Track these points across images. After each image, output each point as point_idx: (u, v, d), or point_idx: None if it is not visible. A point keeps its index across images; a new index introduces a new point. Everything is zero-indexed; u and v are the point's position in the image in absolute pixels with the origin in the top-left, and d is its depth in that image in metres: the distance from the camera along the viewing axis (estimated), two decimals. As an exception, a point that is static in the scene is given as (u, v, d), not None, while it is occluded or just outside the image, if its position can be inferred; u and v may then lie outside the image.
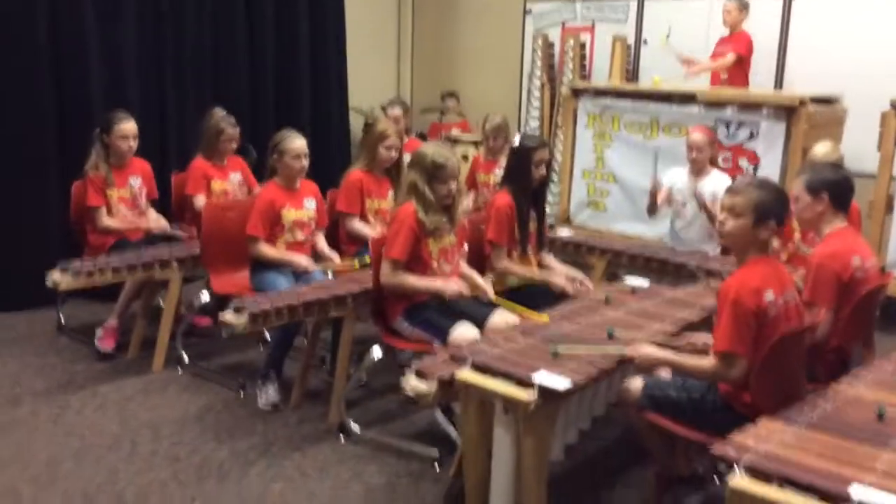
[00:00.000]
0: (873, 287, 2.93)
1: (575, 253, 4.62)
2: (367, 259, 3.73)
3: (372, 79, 7.86)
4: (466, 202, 5.35)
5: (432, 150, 3.40)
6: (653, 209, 4.74)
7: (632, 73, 7.02)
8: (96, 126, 4.51)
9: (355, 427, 3.52)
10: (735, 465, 2.05)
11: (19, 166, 4.85)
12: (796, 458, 2.07)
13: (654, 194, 4.67)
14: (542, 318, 3.16)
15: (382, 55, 8.31)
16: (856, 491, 1.91)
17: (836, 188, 2.96)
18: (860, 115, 5.28)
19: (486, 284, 3.56)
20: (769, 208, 2.55)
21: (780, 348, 2.45)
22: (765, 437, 2.20)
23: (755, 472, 2.02)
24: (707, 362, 2.59)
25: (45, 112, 4.90)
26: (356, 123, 7.51)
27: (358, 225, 4.14)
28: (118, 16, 5.19)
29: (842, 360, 2.94)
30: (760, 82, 6.23)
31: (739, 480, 2.01)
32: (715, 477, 2.96)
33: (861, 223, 4.02)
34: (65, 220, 4.78)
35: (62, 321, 4.67)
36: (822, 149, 3.95)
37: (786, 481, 1.98)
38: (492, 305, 3.42)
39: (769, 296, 2.53)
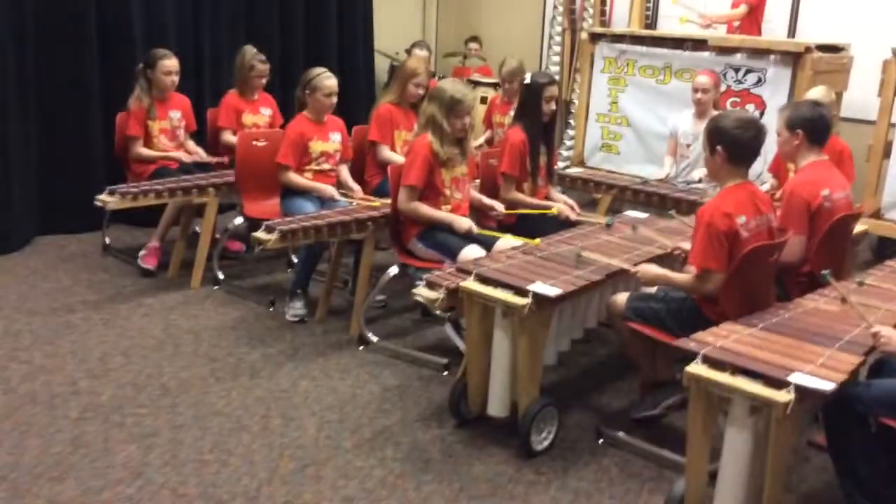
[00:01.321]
0: (841, 216, 3.21)
1: (582, 188, 4.94)
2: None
3: (397, 23, 8.09)
4: (482, 139, 5.68)
5: (451, 86, 3.70)
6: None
7: (650, 20, 7.20)
8: (137, 63, 4.85)
9: (373, 338, 3.90)
10: (695, 357, 2.38)
11: (66, 101, 5.20)
12: (748, 351, 2.40)
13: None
14: (534, 242, 3.48)
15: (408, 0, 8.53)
16: (795, 377, 2.24)
17: (812, 124, 3.23)
18: (866, 64, 5.47)
19: (496, 203, 3.90)
20: (715, 135, 2.85)
21: (749, 261, 2.76)
22: (724, 335, 2.53)
23: (711, 362, 2.35)
24: (689, 277, 2.92)
25: (90, 51, 5.23)
26: (381, 66, 7.80)
27: (388, 153, 4.47)
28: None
29: (813, 284, 3.24)
30: (775, 31, 6.41)
31: (696, 368, 2.35)
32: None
33: (851, 163, 4.26)
34: (108, 151, 5.17)
35: (107, 242, 5.07)
36: (815, 93, 4.19)
37: (737, 370, 2.32)
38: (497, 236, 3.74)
39: (741, 219, 2.83)
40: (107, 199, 4.17)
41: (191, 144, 4.95)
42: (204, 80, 5.84)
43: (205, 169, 4.77)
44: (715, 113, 4.85)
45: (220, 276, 4.60)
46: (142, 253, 4.71)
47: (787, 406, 2.17)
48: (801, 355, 2.41)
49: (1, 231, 4.88)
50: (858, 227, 3.97)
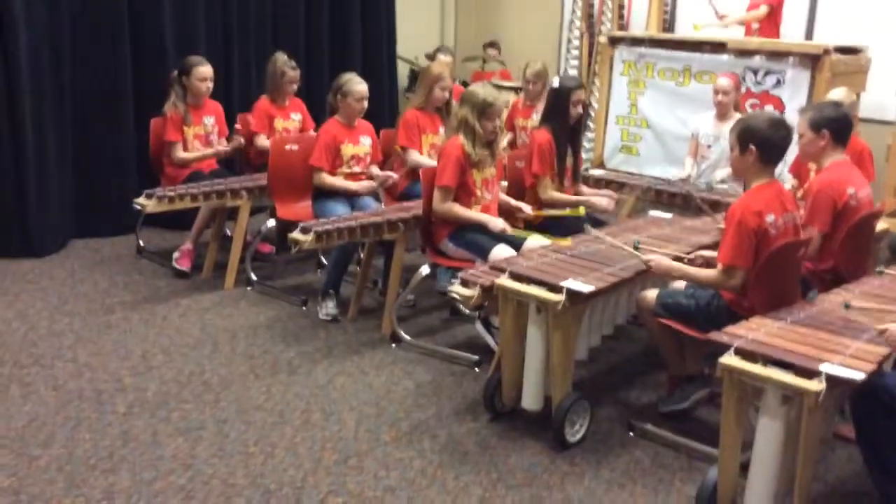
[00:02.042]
0: (865, 214, 3.30)
1: (606, 189, 5.01)
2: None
3: (417, 29, 8.20)
4: (504, 142, 5.78)
5: (483, 89, 3.81)
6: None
7: (668, 24, 7.29)
8: (168, 70, 4.98)
9: (405, 336, 4.00)
10: (728, 349, 2.47)
11: (100, 107, 5.34)
12: (779, 343, 2.49)
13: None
14: (578, 212, 3.57)
15: (427, 6, 8.64)
16: (825, 367, 2.33)
17: (836, 125, 3.32)
18: (884, 65, 5.54)
19: (523, 205, 4.01)
20: (748, 135, 2.93)
21: (777, 258, 2.85)
22: (754, 329, 2.62)
23: (743, 353, 2.44)
24: (712, 272, 3.00)
25: (124, 58, 5.37)
26: (401, 71, 7.92)
27: (418, 157, 4.57)
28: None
29: (836, 280, 3.32)
30: (792, 33, 6.49)
31: (730, 359, 2.44)
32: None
33: (871, 162, 4.34)
34: (141, 155, 5.31)
35: (141, 245, 5.20)
36: (836, 94, 4.27)
37: (768, 361, 2.41)
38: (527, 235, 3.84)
39: (770, 217, 2.92)
40: (145, 203, 4.30)
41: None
42: (233, 86, 5.97)
43: (236, 174, 4.88)
44: (735, 115, 4.96)
45: (253, 277, 4.71)
46: (175, 255, 4.83)
47: (819, 395, 2.26)
48: (830, 347, 2.50)
49: (37, 234, 5.01)
50: (879, 226, 4.06)
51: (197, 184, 4.56)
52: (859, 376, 2.32)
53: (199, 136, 4.90)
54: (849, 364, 2.37)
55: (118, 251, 5.23)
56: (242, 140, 5.00)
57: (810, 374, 2.32)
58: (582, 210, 4.10)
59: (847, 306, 2.78)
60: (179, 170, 4.85)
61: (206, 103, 4.95)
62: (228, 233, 5.09)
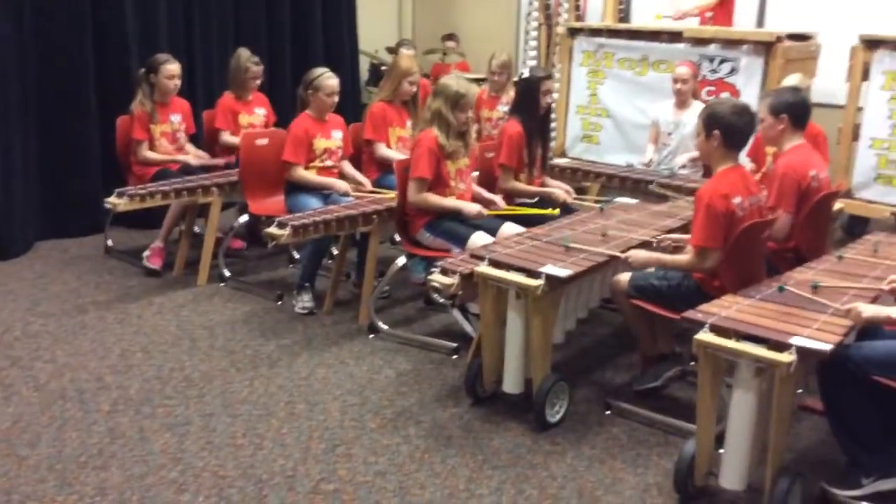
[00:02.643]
0: (825, 194, 3.45)
1: (571, 178, 5.14)
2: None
3: (375, 22, 8.23)
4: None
5: (456, 82, 3.89)
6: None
7: (624, 14, 7.43)
8: (131, 69, 4.95)
9: (383, 326, 4.07)
10: (703, 326, 2.59)
11: (64, 106, 5.29)
12: (750, 319, 2.62)
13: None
14: (552, 212, 3.67)
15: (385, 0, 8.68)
16: (795, 340, 2.46)
17: (795, 109, 3.47)
18: (834, 51, 5.73)
19: (496, 197, 4.10)
20: (712, 121, 3.05)
21: (744, 238, 2.98)
22: (727, 306, 2.74)
23: (718, 330, 2.56)
24: (686, 256, 3.13)
25: (87, 58, 5.33)
26: (362, 65, 7.95)
27: (385, 150, 4.63)
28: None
29: (799, 259, 3.47)
30: (744, 22, 6.67)
31: (705, 336, 2.55)
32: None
33: (826, 145, 4.52)
34: (106, 155, 5.28)
35: (109, 244, 5.17)
36: (792, 80, 4.43)
37: (741, 336, 2.53)
38: (502, 218, 3.93)
39: (737, 200, 3.05)
40: (116, 202, 4.28)
41: (191, 147, 5.06)
42: (196, 83, 5.95)
43: (207, 170, 4.88)
44: (694, 102, 5.12)
45: (226, 273, 4.73)
46: (146, 253, 4.82)
47: (791, 366, 2.39)
48: (798, 321, 2.63)
49: (4, 236, 4.96)
50: (835, 206, 4.24)
51: (168, 181, 4.55)
52: (827, 347, 2.45)
53: (167, 133, 4.89)
54: (816, 336, 2.50)
55: (86, 251, 5.20)
56: (222, 161, 5.01)
57: (781, 346, 2.44)
58: (556, 211, 4.15)
59: (815, 286, 2.91)
60: (147, 168, 4.84)
61: (173, 101, 4.94)
62: (197, 230, 5.09)
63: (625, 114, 6.20)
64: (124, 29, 5.44)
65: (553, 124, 6.81)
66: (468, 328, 3.88)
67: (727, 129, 3.03)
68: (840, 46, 5.57)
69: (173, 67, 4.77)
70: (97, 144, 5.41)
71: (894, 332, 2.75)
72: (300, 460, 2.95)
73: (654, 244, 3.36)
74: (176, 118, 4.93)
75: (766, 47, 5.44)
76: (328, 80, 4.38)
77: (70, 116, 5.31)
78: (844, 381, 2.67)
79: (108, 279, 4.73)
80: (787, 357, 2.41)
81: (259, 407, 3.32)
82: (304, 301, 4.30)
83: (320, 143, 4.44)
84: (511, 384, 3.23)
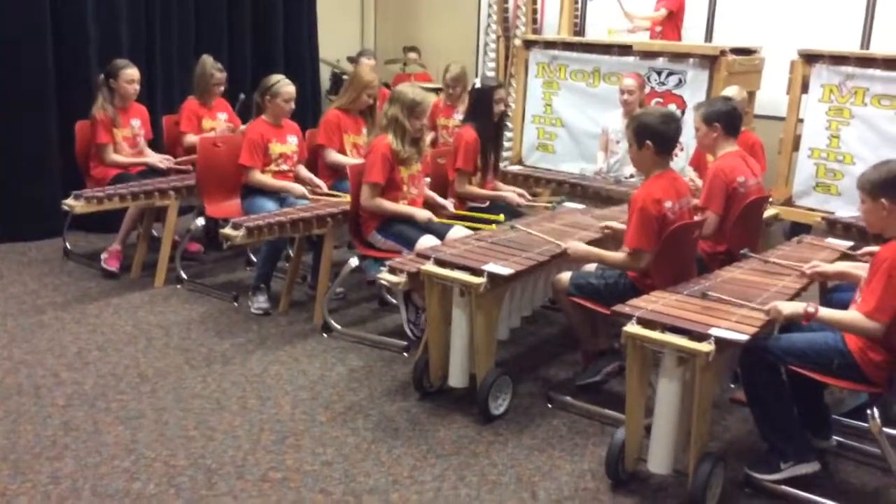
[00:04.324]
0: (754, 199, 3.65)
1: (524, 184, 5.31)
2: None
3: (337, 32, 8.37)
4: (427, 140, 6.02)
5: (412, 90, 4.04)
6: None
7: (579, 27, 7.66)
8: (91, 74, 5.02)
9: (337, 326, 4.18)
10: (631, 319, 2.75)
11: (22, 110, 5.34)
12: (675, 313, 2.78)
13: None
14: (497, 219, 3.84)
15: (347, 10, 8.82)
16: (714, 331, 2.63)
17: (726, 117, 3.67)
18: (777, 65, 5.98)
19: (447, 203, 4.25)
20: (643, 131, 3.23)
21: (674, 238, 3.16)
22: (654, 301, 2.91)
23: (644, 322, 2.72)
24: (621, 255, 3.29)
25: (46, 62, 5.38)
26: (323, 74, 8.07)
27: (336, 156, 4.76)
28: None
29: (729, 261, 3.66)
30: (694, 36, 6.92)
31: (632, 328, 2.71)
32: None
33: (763, 154, 4.74)
34: (65, 159, 5.33)
35: (68, 247, 5.23)
36: (728, 91, 4.65)
37: (666, 328, 2.69)
38: (450, 225, 4.07)
39: (668, 203, 3.22)
40: (73, 204, 4.36)
41: (150, 151, 5.14)
42: (155, 89, 6.03)
43: (175, 173, 4.98)
44: (641, 112, 5.32)
45: (183, 275, 4.81)
46: (104, 256, 4.89)
47: (709, 355, 2.55)
48: (719, 314, 2.80)
49: (-38, 240, 5.00)
50: (771, 212, 4.45)
51: (126, 184, 4.63)
52: (743, 338, 2.62)
53: (127, 138, 4.98)
54: (734, 328, 2.67)
55: (44, 254, 5.25)
56: (171, 159, 5.11)
57: (702, 337, 2.61)
58: (501, 217, 4.28)
59: (705, 295, 3.04)
60: (106, 171, 4.91)
61: (132, 106, 5.02)
62: (155, 233, 5.16)
63: (578, 123, 6.40)
64: (84, 34, 5.51)
65: (509, 133, 7.02)
66: (403, 315, 3.99)
67: (659, 138, 3.20)
68: (783, 60, 5.82)
69: (133, 72, 4.87)
70: (56, 149, 5.47)
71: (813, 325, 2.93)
72: (250, 451, 3.05)
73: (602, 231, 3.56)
74: (136, 123, 5.02)
75: (710, 61, 5.67)
76: (285, 86, 4.51)
77: (29, 120, 5.36)
78: (765, 372, 2.85)
79: (66, 281, 4.79)
80: (706, 347, 2.57)
81: (211, 401, 3.42)
82: (260, 302, 4.40)
83: (276, 148, 4.56)
84: (456, 378, 3.36)
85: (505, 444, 3.17)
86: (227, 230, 3.90)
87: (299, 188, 4.53)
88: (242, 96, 5.36)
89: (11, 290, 4.57)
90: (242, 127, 5.08)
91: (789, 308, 2.76)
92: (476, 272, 3.20)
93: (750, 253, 3.43)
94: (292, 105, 4.57)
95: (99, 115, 4.82)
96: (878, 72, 5.16)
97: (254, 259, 5.14)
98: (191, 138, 5.10)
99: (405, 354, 3.94)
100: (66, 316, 4.26)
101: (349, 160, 4.62)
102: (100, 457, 2.96)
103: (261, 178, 4.51)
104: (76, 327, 4.12)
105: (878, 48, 6.07)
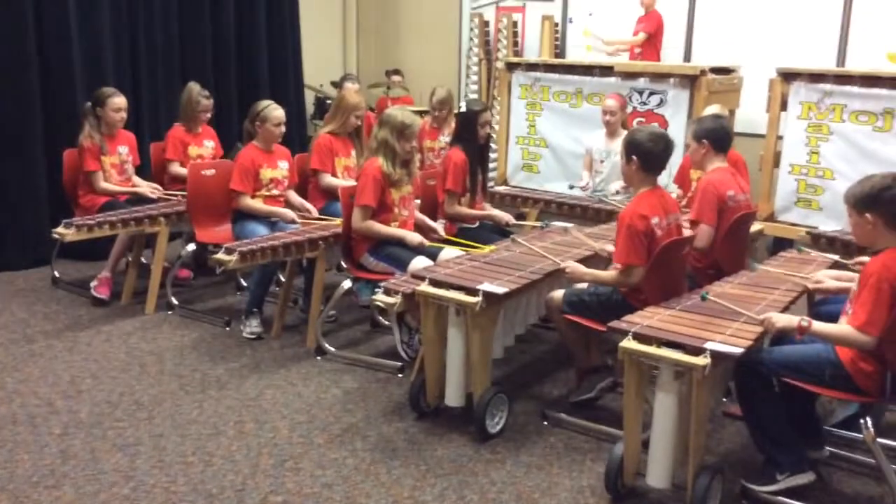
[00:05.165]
0: (742, 214, 3.72)
1: (511, 204, 5.37)
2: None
3: (319, 56, 8.44)
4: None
5: (401, 112, 4.09)
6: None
7: (559, 49, 7.77)
8: (77, 103, 5.04)
9: (330, 348, 4.19)
10: (627, 335, 2.79)
11: (10, 140, 5.35)
12: (670, 327, 2.83)
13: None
14: (488, 248, 3.87)
15: (330, 34, 8.90)
16: (709, 345, 2.68)
17: (715, 134, 3.78)
18: (755, 84, 6.10)
19: (437, 226, 4.29)
20: (631, 147, 3.31)
21: (665, 255, 3.21)
22: (649, 317, 2.95)
23: (640, 338, 2.77)
24: (614, 273, 3.35)
25: (33, 92, 5.40)
26: (307, 99, 8.13)
27: (330, 179, 4.80)
28: (96, 6, 5.69)
29: (718, 275, 3.72)
30: (673, 56, 7.05)
31: (629, 343, 2.76)
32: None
33: (746, 171, 4.81)
34: (52, 187, 5.33)
35: (56, 276, 5.21)
36: (710, 110, 4.74)
37: (661, 343, 2.74)
38: (442, 246, 4.11)
39: (655, 219, 3.29)
40: (64, 232, 4.36)
41: (138, 179, 5.15)
42: (142, 116, 6.05)
43: (154, 200, 4.98)
44: (623, 131, 5.39)
45: (174, 301, 4.81)
46: (93, 283, 4.88)
47: (705, 368, 2.60)
48: (713, 328, 2.85)
49: (-51, 269, 4.97)
50: (756, 227, 4.52)
51: (115, 212, 4.64)
52: (738, 351, 2.67)
53: (115, 165, 4.99)
54: (729, 342, 2.72)
55: (33, 283, 5.23)
56: (160, 188, 5.12)
57: (697, 351, 2.66)
58: (493, 247, 4.27)
59: (704, 297, 3.12)
60: (95, 199, 4.91)
61: (120, 133, 5.04)
62: (144, 261, 5.16)
63: (562, 143, 6.48)
64: (70, 63, 5.53)
65: (494, 154, 7.09)
66: (396, 336, 4.02)
67: (645, 155, 3.27)
68: (761, 79, 5.94)
69: (120, 101, 4.89)
70: (43, 177, 5.47)
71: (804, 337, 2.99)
72: (249, 475, 3.05)
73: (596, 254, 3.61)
74: (123, 150, 5.04)
75: (691, 80, 5.77)
76: (274, 111, 4.55)
77: (16, 149, 5.37)
78: (759, 384, 2.89)
79: (56, 309, 4.78)
80: (702, 360, 2.62)
81: (208, 427, 3.42)
82: (253, 326, 4.41)
83: (267, 173, 4.58)
84: (453, 398, 3.38)
85: (503, 463, 3.19)
86: (221, 255, 3.92)
87: (289, 213, 4.55)
88: (239, 145, 5.36)
89: (1, 320, 4.55)
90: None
91: (783, 320, 2.82)
92: (471, 291, 3.23)
93: (757, 265, 3.51)
94: (282, 129, 4.61)
95: (86, 143, 4.83)
96: (855, 88, 5.27)
97: (244, 284, 5.15)
98: (176, 168, 5.12)
99: (400, 375, 3.96)
100: (58, 344, 4.25)
101: (343, 183, 4.65)
102: (99, 484, 2.95)
103: (251, 203, 4.54)
104: (68, 355, 4.10)
105: (853, 65, 6.21)
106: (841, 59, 6.55)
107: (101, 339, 4.34)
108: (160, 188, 5.11)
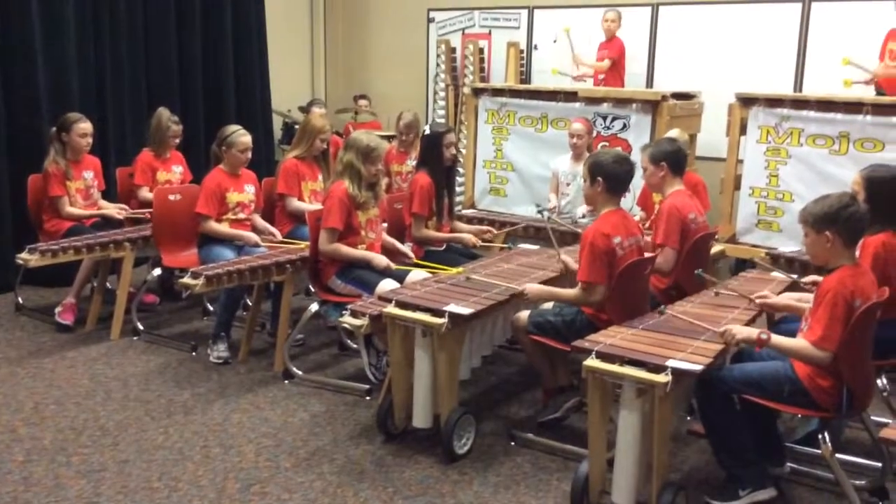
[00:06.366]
0: (703, 235, 3.81)
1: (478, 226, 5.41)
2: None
3: (287, 82, 8.46)
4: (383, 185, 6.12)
5: (366, 136, 4.13)
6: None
7: (525, 74, 7.88)
8: (41, 128, 5.01)
9: (298, 372, 4.19)
10: (590, 354, 2.84)
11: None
12: (632, 346, 2.88)
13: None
14: (457, 270, 3.90)
15: (297, 60, 8.94)
16: (670, 362, 2.73)
17: (672, 157, 3.85)
18: (716, 109, 6.24)
19: (406, 249, 4.32)
20: (596, 169, 3.38)
21: (627, 275, 3.27)
22: (612, 336, 3.01)
23: (603, 356, 2.81)
24: (575, 291, 3.40)
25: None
26: (275, 124, 8.15)
27: (297, 203, 4.82)
28: (61, 30, 5.68)
29: (679, 295, 3.79)
30: (635, 82, 7.18)
31: (592, 362, 2.80)
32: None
33: (706, 193, 4.93)
34: (16, 212, 5.28)
35: (20, 302, 5.15)
36: (671, 134, 4.84)
37: (624, 361, 2.78)
38: (409, 269, 4.14)
39: (616, 239, 3.35)
40: (28, 258, 4.32)
41: (104, 203, 5.13)
42: (108, 141, 6.02)
43: (135, 222, 4.98)
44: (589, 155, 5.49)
45: (140, 326, 4.77)
46: (58, 309, 4.83)
47: (667, 385, 2.65)
48: (674, 346, 2.91)
49: None
50: (717, 249, 4.62)
51: (80, 237, 4.61)
52: (698, 368, 2.73)
53: (80, 190, 4.97)
54: (690, 359, 2.78)
55: (-5, 310, 5.17)
56: (127, 208, 5.11)
57: (659, 369, 2.71)
58: (461, 269, 4.32)
59: (662, 312, 3.20)
60: (59, 224, 4.88)
61: (85, 158, 5.02)
62: (109, 286, 5.12)
63: (528, 167, 6.55)
64: (35, 87, 5.50)
65: (461, 178, 7.16)
66: (364, 358, 4.02)
67: (609, 177, 3.34)
68: (721, 104, 6.07)
69: (85, 126, 4.88)
70: (7, 202, 5.42)
71: (763, 354, 3.05)
72: (215, 500, 3.03)
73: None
74: (88, 175, 5.02)
75: (653, 105, 5.89)
76: (241, 136, 4.57)
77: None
78: (719, 401, 2.95)
79: (19, 336, 4.72)
80: (663, 378, 2.67)
81: (174, 452, 3.39)
82: (219, 351, 4.39)
83: (233, 197, 4.59)
84: (420, 419, 3.40)
85: (470, 483, 3.20)
86: (187, 279, 3.91)
87: (253, 237, 4.56)
88: None
89: (-38, 347, 4.49)
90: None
91: (744, 332, 2.88)
92: (437, 313, 3.26)
93: (703, 274, 3.57)
94: (249, 155, 4.63)
95: (51, 168, 4.81)
96: (811, 113, 5.41)
97: (210, 308, 5.13)
98: (145, 192, 5.11)
99: (367, 398, 3.96)
100: (21, 371, 4.19)
101: (310, 207, 4.67)
102: (62, 512, 2.92)
103: (215, 226, 4.54)
104: (32, 382, 4.05)
105: (809, 90, 6.38)
106: (798, 84, 6.72)
107: (66, 365, 4.30)
108: (127, 208, 5.09)
